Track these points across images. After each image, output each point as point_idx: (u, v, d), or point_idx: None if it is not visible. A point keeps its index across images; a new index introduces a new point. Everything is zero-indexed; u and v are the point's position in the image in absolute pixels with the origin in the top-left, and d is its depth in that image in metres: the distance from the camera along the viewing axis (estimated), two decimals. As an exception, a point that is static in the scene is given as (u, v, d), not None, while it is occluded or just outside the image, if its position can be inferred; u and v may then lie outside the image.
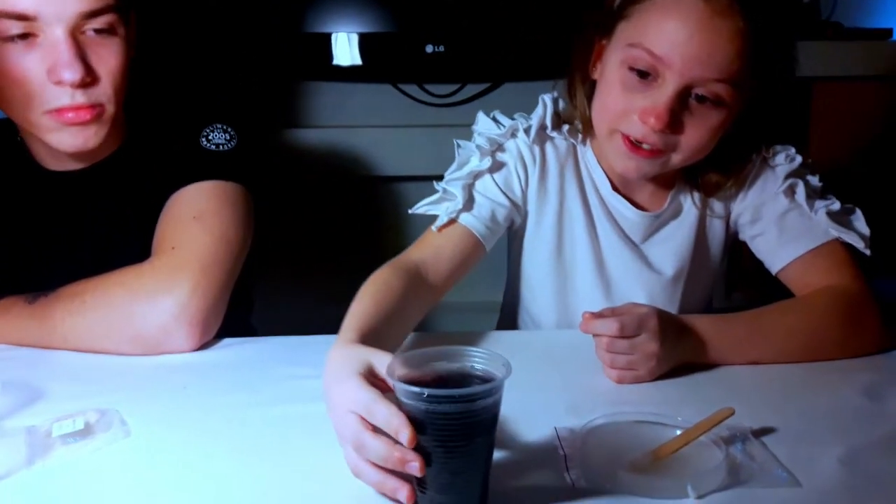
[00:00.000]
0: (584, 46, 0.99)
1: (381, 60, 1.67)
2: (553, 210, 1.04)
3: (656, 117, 0.89)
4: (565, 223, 1.05)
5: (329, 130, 1.77)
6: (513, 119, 1.04)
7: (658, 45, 0.88)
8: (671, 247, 1.05)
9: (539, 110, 1.04)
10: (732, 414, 0.73)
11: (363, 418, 0.63)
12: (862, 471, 0.69)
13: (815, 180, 1.01)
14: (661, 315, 0.87)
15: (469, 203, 0.99)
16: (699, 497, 0.64)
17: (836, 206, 0.99)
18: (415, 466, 0.59)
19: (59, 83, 0.94)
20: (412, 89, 1.76)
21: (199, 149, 1.05)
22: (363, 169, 1.77)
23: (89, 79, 0.95)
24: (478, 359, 0.65)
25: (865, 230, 0.98)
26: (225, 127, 1.07)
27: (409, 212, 1.02)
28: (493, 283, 1.19)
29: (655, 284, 1.05)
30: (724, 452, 0.68)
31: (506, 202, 1.01)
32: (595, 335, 0.86)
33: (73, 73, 0.93)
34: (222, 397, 0.84)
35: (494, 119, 1.04)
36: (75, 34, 0.94)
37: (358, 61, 1.65)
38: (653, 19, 0.89)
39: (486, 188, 1.01)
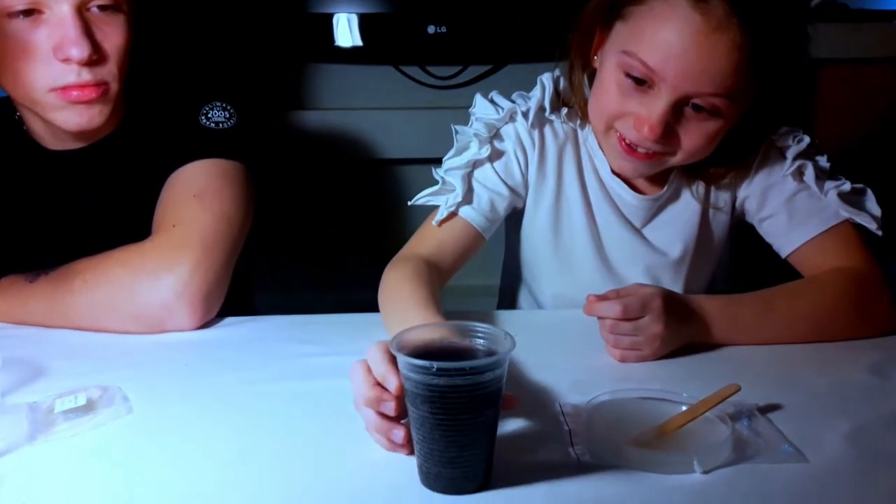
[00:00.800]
0: (585, 33, 0.96)
1: (382, 42, 1.66)
2: (551, 194, 1.03)
3: (649, 128, 0.87)
4: (563, 207, 1.03)
5: (331, 112, 1.75)
6: (511, 100, 1.02)
7: (652, 57, 0.85)
8: (672, 230, 1.03)
9: (537, 92, 1.02)
10: (738, 390, 0.72)
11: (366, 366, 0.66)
12: (868, 447, 0.68)
13: (823, 161, 0.99)
14: (666, 296, 0.86)
15: (469, 194, 0.98)
16: (705, 472, 0.64)
17: (847, 186, 0.96)
18: (389, 406, 0.64)
19: (65, 60, 0.93)
20: (414, 71, 1.75)
21: (198, 127, 1.04)
22: (365, 151, 1.76)
23: (96, 56, 0.95)
24: (481, 334, 0.65)
25: (877, 210, 0.96)
26: (224, 105, 1.06)
27: (409, 203, 1.02)
28: (488, 267, 1.19)
29: (657, 267, 1.04)
30: (729, 428, 0.68)
31: (505, 191, 1.00)
32: (599, 317, 0.86)
33: (80, 50, 0.92)
34: (224, 375, 0.84)
35: (492, 101, 1.02)
36: (81, 11, 0.93)
37: (359, 42, 1.64)
38: (647, 28, 0.86)
39: (486, 177, 1.00)
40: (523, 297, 1.14)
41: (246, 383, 0.82)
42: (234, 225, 1.00)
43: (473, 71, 1.75)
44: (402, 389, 0.62)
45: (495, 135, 1.00)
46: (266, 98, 1.73)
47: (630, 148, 0.91)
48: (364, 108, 1.75)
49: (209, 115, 1.05)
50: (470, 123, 1.02)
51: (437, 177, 1.00)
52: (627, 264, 1.04)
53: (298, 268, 1.81)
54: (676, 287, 1.03)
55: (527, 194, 1.04)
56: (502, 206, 1.01)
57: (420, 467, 0.63)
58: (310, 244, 1.83)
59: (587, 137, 1.03)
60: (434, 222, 0.98)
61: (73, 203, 1.07)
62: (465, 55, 1.73)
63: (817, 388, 0.80)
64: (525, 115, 1.00)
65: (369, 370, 0.65)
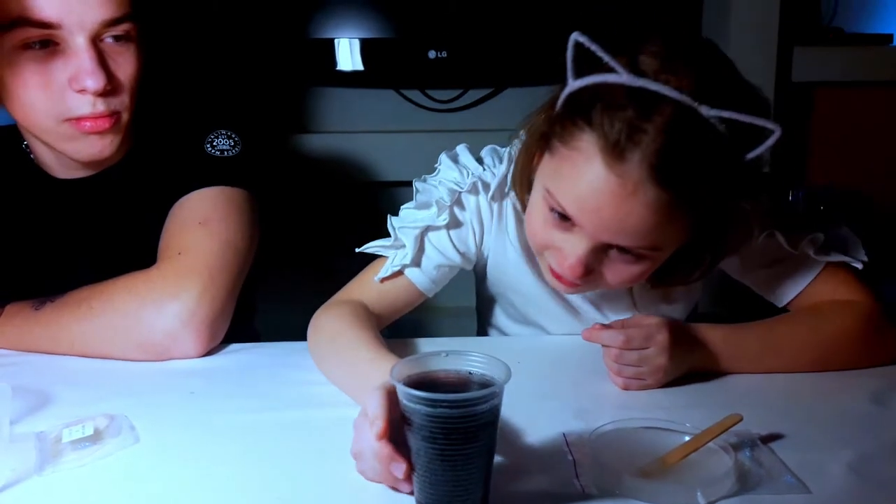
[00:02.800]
0: (529, 149, 0.88)
1: (383, 66, 1.68)
2: (515, 253, 1.00)
3: (569, 268, 0.82)
4: (527, 263, 1.00)
5: (332, 136, 1.77)
6: (479, 158, 0.99)
7: (569, 205, 0.79)
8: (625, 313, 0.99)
9: (503, 168, 0.96)
10: (741, 420, 0.73)
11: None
12: (871, 477, 0.69)
13: (789, 214, 0.95)
14: (672, 328, 0.86)
15: (418, 255, 0.97)
16: None
17: (821, 237, 0.92)
18: (400, 468, 0.62)
19: (81, 91, 0.94)
20: (415, 94, 1.76)
21: (203, 155, 1.05)
22: (366, 174, 1.78)
23: (110, 86, 0.96)
24: (479, 363, 0.66)
25: (857, 244, 0.94)
26: (229, 133, 1.07)
27: (357, 251, 1.00)
28: (465, 288, 1.19)
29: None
30: (732, 459, 0.68)
31: (457, 259, 0.99)
32: (604, 346, 0.87)
33: (96, 81, 0.93)
34: (230, 403, 0.84)
35: (458, 162, 0.98)
36: (96, 42, 0.94)
37: (361, 67, 1.65)
38: (566, 176, 0.79)
39: (440, 241, 0.98)
40: (498, 318, 1.14)
41: (251, 412, 0.82)
42: (239, 252, 1.01)
43: (474, 94, 1.77)
44: (385, 434, 0.62)
45: (456, 200, 0.97)
46: (270, 123, 1.75)
47: (559, 275, 0.86)
48: (365, 131, 1.77)
49: (214, 144, 1.06)
50: (435, 173, 0.99)
51: (389, 228, 0.98)
52: (593, 313, 1.02)
53: (299, 290, 1.81)
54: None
55: (484, 256, 1.01)
56: (449, 273, 1.00)
57: (419, 496, 0.64)
58: (310, 266, 1.84)
59: None
60: (377, 278, 0.97)
61: (80, 231, 1.08)
62: (465, 79, 1.75)
63: (818, 417, 0.80)
64: (486, 188, 0.96)
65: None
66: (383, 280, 0.97)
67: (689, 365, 0.87)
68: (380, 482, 0.67)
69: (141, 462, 0.73)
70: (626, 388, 0.86)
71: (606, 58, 0.76)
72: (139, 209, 1.06)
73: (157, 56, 1.05)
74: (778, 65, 1.73)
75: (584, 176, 0.77)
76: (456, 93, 1.76)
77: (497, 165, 0.98)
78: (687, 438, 0.72)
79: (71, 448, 0.72)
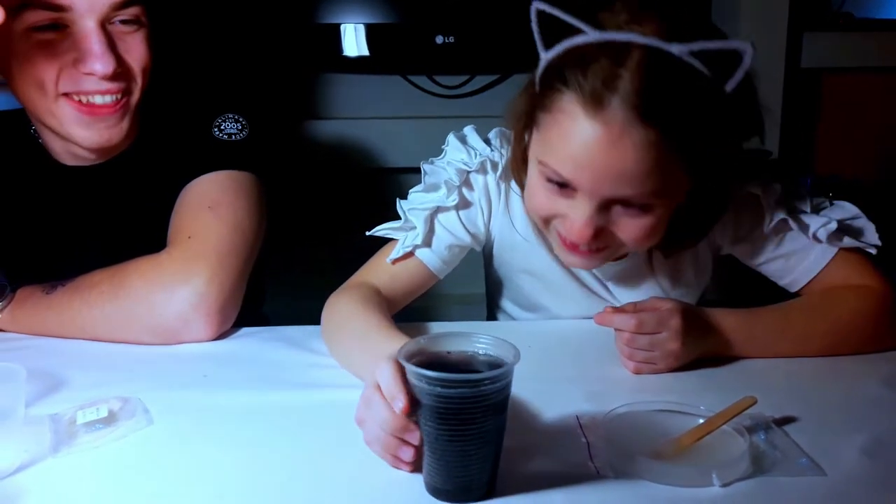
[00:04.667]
0: (518, 134, 0.90)
1: (390, 51, 1.67)
2: (524, 231, 0.99)
3: (578, 232, 0.82)
4: (537, 241, 0.98)
5: (339, 122, 1.76)
6: (486, 139, 0.99)
7: (564, 168, 0.80)
8: (645, 288, 1.01)
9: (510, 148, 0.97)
10: (755, 403, 0.73)
11: (378, 387, 0.65)
12: (885, 460, 0.69)
13: (802, 203, 0.94)
14: (686, 312, 0.86)
15: (429, 236, 0.97)
16: (724, 485, 0.65)
17: (833, 225, 0.92)
18: (415, 436, 0.62)
19: (89, 74, 0.94)
20: (422, 80, 1.76)
21: (211, 139, 1.05)
22: (373, 160, 1.77)
23: (119, 69, 0.95)
24: (488, 344, 0.66)
25: (871, 228, 0.94)
26: (236, 117, 1.07)
27: (367, 234, 1.00)
28: (474, 275, 1.19)
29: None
30: (747, 441, 0.68)
31: (467, 239, 1.00)
32: (616, 329, 0.87)
33: (104, 65, 0.93)
34: (242, 386, 0.85)
35: (466, 142, 0.99)
36: (104, 25, 0.94)
37: (368, 52, 1.64)
38: (554, 140, 0.80)
39: (449, 222, 0.98)
40: (506, 304, 1.14)
41: (263, 394, 0.82)
42: (248, 235, 1.01)
43: (481, 80, 1.77)
44: (409, 409, 0.62)
45: (465, 181, 0.98)
46: (277, 108, 1.74)
47: (573, 245, 0.86)
48: (372, 117, 1.76)
49: (222, 128, 1.06)
50: (442, 155, 1.00)
51: (399, 211, 0.98)
52: (600, 299, 1.03)
53: (306, 275, 1.82)
54: None
55: (491, 237, 1.02)
56: (460, 253, 1.01)
57: (427, 477, 0.64)
58: (317, 252, 1.84)
59: None
60: (388, 259, 0.97)
61: (88, 217, 1.08)
62: (472, 65, 1.74)
63: (831, 400, 0.80)
64: (495, 167, 0.97)
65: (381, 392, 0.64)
66: (395, 262, 0.97)
67: (701, 350, 0.87)
68: (383, 456, 0.67)
69: (155, 444, 0.73)
70: (637, 373, 0.86)
71: (571, 20, 0.77)
72: (147, 195, 1.06)
73: (164, 40, 1.04)
74: (787, 51, 1.72)
75: (572, 134, 0.78)
76: (463, 78, 1.76)
77: (505, 146, 0.98)
78: (701, 421, 0.72)
79: (85, 430, 0.73)
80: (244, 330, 0.99)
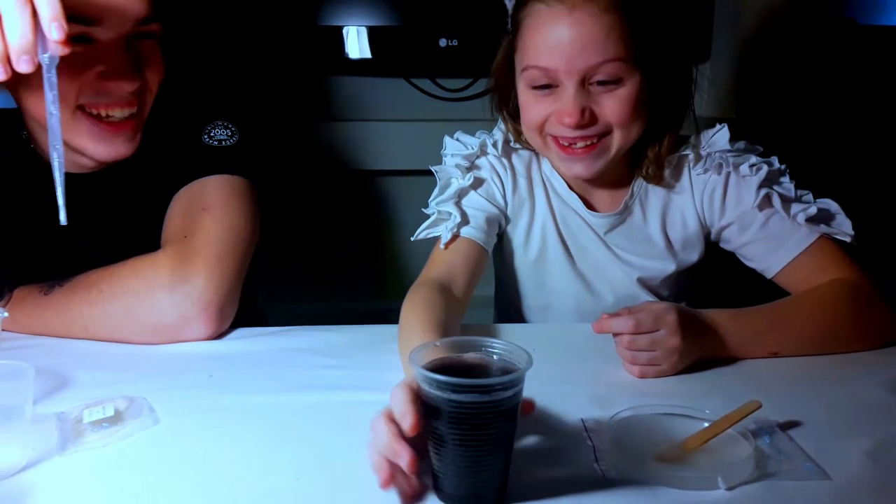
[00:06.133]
0: (502, 84, 1.07)
1: (393, 54, 1.67)
2: (526, 214, 1.11)
3: (568, 116, 0.95)
4: (536, 226, 1.11)
5: (342, 124, 1.76)
6: (476, 136, 1.12)
7: (541, 58, 0.95)
8: (635, 244, 1.09)
9: (501, 125, 1.11)
10: (759, 407, 0.73)
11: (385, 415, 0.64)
12: (890, 464, 0.69)
13: (787, 184, 1.03)
14: (680, 310, 0.87)
15: (465, 217, 1.05)
16: (729, 489, 0.65)
17: (813, 209, 0.99)
18: (405, 460, 0.60)
19: (113, 89, 0.94)
20: (425, 83, 1.76)
21: (202, 146, 1.06)
22: (375, 162, 1.78)
23: (142, 85, 0.96)
24: (500, 350, 0.66)
25: (847, 224, 0.99)
26: (226, 123, 1.08)
27: (412, 239, 1.07)
28: (484, 279, 1.21)
29: (627, 281, 1.09)
30: (752, 445, 0.69)
31: (494, 210, 1.09)
32: (615, 334, 0.87)
33: (131, 80, 0.94)
34: (248, 385, 0.85)
35: (459, 140, 1.11)
36: (129, 40, 0.94)
37: (370, 55, 1.65)
38: (530, 39, 0.97)
39: (474, 202, 1.07)
40: (514, 307, 1.18)
41: (269, 394, 0.83)
42: (242, 237, 1.01)
43: (483, 84, 1.75)
44: (417, 429, 0.61)
45: (472, 166, 1.09)
46: (276, 111, 1.74)
47: (568, 147, 0.99)
48: (375, 119, 1.77)
49: (212, 134, 1.07)
50: (444, 161, 1.10)
51: (429, 213, 1.07)
52: (598, 277, 1.11)
53: (307, 277, 1.82)
54: (648, 298, 1.09)
55: (508, 215, 1.11)
56: (495, 223, 1.09)
57: (437, 483, 0.64)
58: (318, 255, 1.84)
59: (543, 162, 1.11)
60: (441, 245, 1.04)
61: (82, 223, 1.07)
62: (475, 68, 1.74)
63: (835, 404, 0.81)
64: (494, 145, 1.10)
65: (390, 420, 0.63)
66: (446, 247, 1.03)
67: (700, 348, 0.88)
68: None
69: (161, 443, 0.73)
70: (642, 376, 0.86)
71: None
72: (140, 202, 1.06)
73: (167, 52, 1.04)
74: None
75: (540, 27, 0.95)
76: (466, 82, 1.76)
77: (495, 132, 1.11)
78: (706, 425, 0.72)
79: (92, 429, 0.73)
80: (248, 330, 1.00)
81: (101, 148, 0.99)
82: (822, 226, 0.99)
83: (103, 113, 0.97)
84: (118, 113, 0.97)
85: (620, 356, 0.88)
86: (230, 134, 1.07)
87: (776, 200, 1.00)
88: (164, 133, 1.07)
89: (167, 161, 1.05)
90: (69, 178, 1.05)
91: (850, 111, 1.75)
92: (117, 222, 1.08)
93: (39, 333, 0.98)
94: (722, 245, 1.08)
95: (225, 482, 0.67)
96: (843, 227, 0.99)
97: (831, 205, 1.01)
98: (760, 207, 1.01)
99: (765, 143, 1.08)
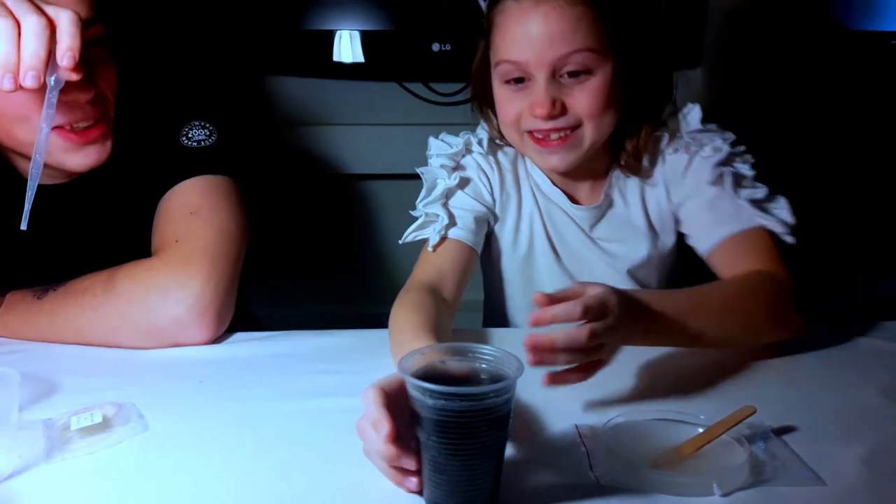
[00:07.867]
0: (481, 83, 1.08)
1: (387, 59, 1.67)
2: (514, 211, 1.11)
3: (540, 107, 0.97)
4: (524, 222, 1.11)
5: (335, 128, 1.76)
6: (460, 136, 1.12)
7: (512, 52, 0.97)
8: (618, 234, 1.10)
9: (483, 127, 1.12)
10: (754, 412, 0.73)
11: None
12: (885, 470, 0.69)
13: (745, 167, 1.04)
14: (618, 290, 0.78)
15: (452, 219, 1.05)
16: (724, 495, 0.64)
17: (760, 193, 1.01)
18: (407, 462, 0.62)
19: (75, 102, 0.92)
20: (418, 87, 1.76)
21: (180, 147, 1.04)
22: (369, 167, 1.77)
23: (97, 93, 0.94)
24: (490, 357, 0.65)
25: (788, 218, 1.00)
26: (203, 123, 1.07)
27: (400, 242, 1.06)
28: (473, 283, 1.21)
29: (613, 272, 1.10)
30: (747, 450, 0.68)
31: (482, 209, 1.08)
32: (545, 342, 0.71)
33: (85, 92, 0.92)
34: (239, 392, 0.84)
35: (444, 140, 1.11)
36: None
37: (363, 59, 1.65)
38: (500, 35, 0.99)
39: (462, 202, 1.07)
40: (501, 309, 1.18)
41: (259, 400, 0.82)
42: (233, 238, 1.00)
43: (476, 88, 1.77)
44: (394, 436, 0.60)
45: (457, 166, 1.09)
46: (266, 115, 1.74)
47: (543, 140, 1.00)
48: (368, 123, 1.76)
49: (189, 135, 1.05)
50: (429, 162, 1.10)
51: (417, 215, 1.06)
52: (584, 273, 1.11)
53: (298, 282, 1.82)
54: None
55: (496, 213, 1.11)
56: (483, 223, 1.09)
57: (429, 493, 0.63)
58: (309, 259, 1.84)
59: (527, 160, 1.11)
60: (429, 248, 1.03)
61: (65, 235, 1.06)
62: (468, 73, 1.74)
63: (830, 410, 0.80)
64: (480, 143, 1.10)
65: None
66: (434, 249, 1.03)
67: (636, 334, 0.81)
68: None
69: (150, 450, 0.72)
70: (584, 379, 0.76)
71: None
72: (122, 208, 1.05)
73: (127, 55, 1.03)
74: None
75: (510, 23, 0.97)
76: (459, 86, 1.76)
77: (479, 131, 1.12)
78: (700, 430, 0.71)
79: (79, 436, 0.72)
80: (240, 335, 0.99)
81: (77, 158, 0.97)
82: (763, 214, 1.00)
83: (75, 126, 0.95)
84: (83, 122, 0.95)
85: (546, 361, 0.72)
86: (208, 134, 1.06)
87: (728, 180, 1.02)
88: (140, 136, 1.05)
89: (145, 165, 1.04)
90: (48, 188, 1.04)
91: (841, 117, 1.76)
92: (102, 232, 1.06)
93: (32, 338, 0.96)
94: (680, 229, 1.08)
95: (215, 490, 0.66)
96: (786, 227, 0.99)
97: (781, 201, 1.02)
98: (712, 184, 1.02)
99: (755, 149, 1.07)
